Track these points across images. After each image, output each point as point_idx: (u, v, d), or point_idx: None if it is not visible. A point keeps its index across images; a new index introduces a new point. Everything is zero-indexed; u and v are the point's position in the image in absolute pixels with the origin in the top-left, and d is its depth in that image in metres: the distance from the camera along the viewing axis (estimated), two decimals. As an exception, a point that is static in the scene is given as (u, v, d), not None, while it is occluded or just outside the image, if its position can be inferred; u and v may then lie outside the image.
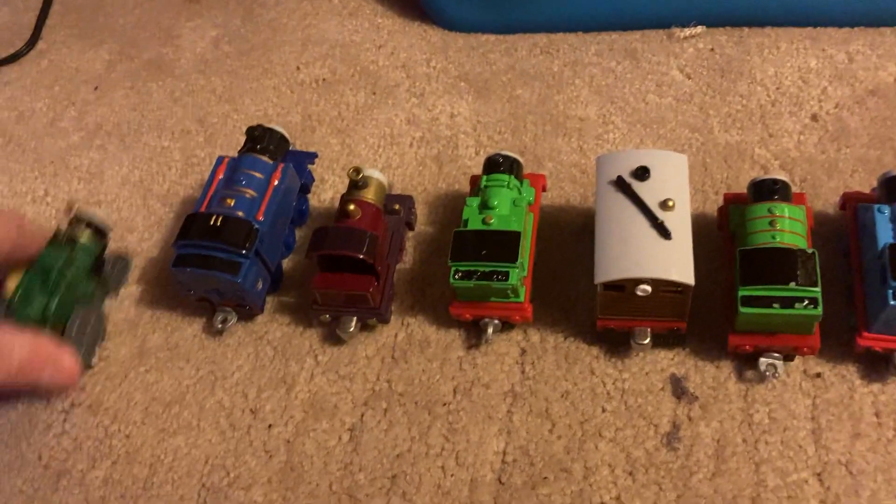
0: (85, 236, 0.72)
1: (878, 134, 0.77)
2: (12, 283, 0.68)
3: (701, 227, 0.71)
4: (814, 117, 0.79)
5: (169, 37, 1.00)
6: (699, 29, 0.88)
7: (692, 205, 0.73)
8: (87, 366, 0.72)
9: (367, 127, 0.86)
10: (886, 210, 0.63)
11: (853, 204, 0.68)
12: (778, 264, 0.60)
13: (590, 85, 0.86)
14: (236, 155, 0.75)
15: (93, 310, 0.72)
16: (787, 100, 0.81)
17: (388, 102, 0.88)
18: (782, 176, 0.67)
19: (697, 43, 0.88)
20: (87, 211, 0.73)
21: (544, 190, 0.74)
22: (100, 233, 0.73)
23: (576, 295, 0.71)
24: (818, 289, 0.59)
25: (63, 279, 0.69)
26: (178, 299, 0.75)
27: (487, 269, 0.65)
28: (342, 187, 0.81)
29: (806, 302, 0.59)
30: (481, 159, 0.80)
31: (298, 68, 0.93)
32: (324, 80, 0.92)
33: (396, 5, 0.98)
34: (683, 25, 0.89)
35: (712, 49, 0.87)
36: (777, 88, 0.82)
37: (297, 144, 0.84)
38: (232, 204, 0.69)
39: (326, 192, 0.82)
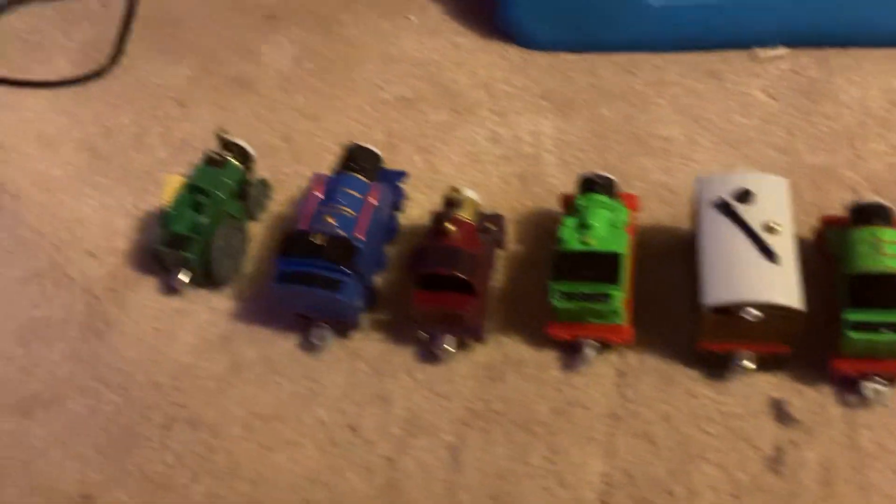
0: (232, 160, 0.78)
1: (970, 157, 0.77)
2: (169, 196, 0.75)
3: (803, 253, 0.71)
4: (903, 139, 0.79)
5: (249, 53, 1.01)
6: (782, 50, 0.88)
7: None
8: (231, 279, 0.78)
9: (450, 145, 0.87)
10: None
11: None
12: (887, 289, 0.60)
13: (673, 105, 0.87)
14: (329, 173, 0.76)
15: (237, 228, 0.77)
16: (874, 121, 0.81)
17: (469, 121, 0.89)
18: (877, 200, 0.67)
19: (780, 64, 0.88)
20: (234, 137, 0.80)
21: (637, 210, 0.75)
22: (245, 157, 0.79)
23: (672, 317, 0.71)
24: (927, 314, 0.59)
25: (212, 197, 0.75)
26: (273, 315, 0.76)
27: (590, 291, 0.65)
28: (428, 205, 0.82)
29: (917, 328, 0.59)
30: (566, 178, 0.81)
31: (380, 87, 0.94)
32: (405, 98, 0.93)
33: (475, 25, 0.99)
34: (765, 46, 0.89)
35: (795, 70, 0.87)
36: (863, 110, 0.83)
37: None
38: (333, 222, 0.70)
39: (413, 209, 0.83)
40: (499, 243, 0.77)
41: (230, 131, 0.80)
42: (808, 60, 0.88)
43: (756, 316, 0.60)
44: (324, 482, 0.66)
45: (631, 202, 0.73)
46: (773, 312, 0.61)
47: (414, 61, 0.96)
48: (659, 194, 0.80)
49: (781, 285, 0.61)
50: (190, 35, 1.05)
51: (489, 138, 0.87)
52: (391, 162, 0.85)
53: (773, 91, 0.86)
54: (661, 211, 0.79)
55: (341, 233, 0.70)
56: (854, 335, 0.60)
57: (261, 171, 0.86)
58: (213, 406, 0.71)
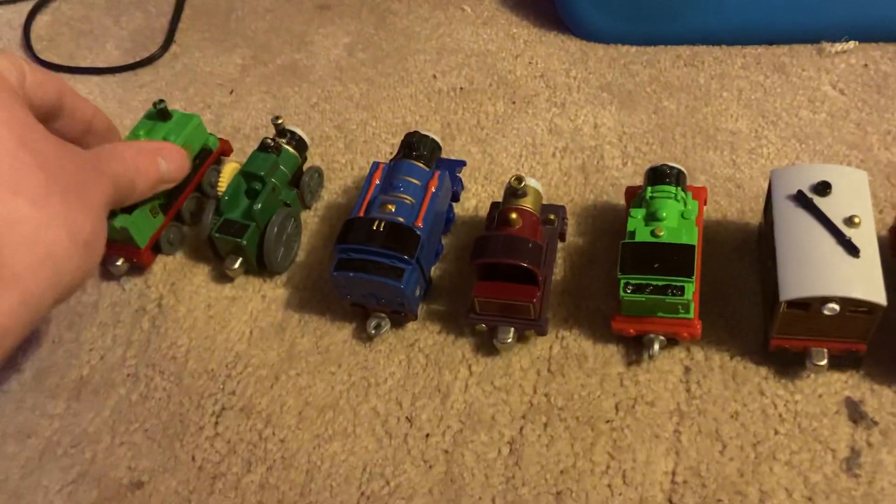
0: (287, 147, 0.77)
1: None
2: (225, 183, 0.74)
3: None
4: (980, 136, 0.77)
5: (302, 43, 1.00)
6: (851, 44, 0.86)
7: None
8: (285, 267, 0.77)
9: (508, 136, 0.85)
10: None
11: None
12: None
13: (738, 98, 0.84)
14: (388, 161, 0.74)
15: (291, 215, 0.76)
16: (949, 117, 0.79)
17: (528, 112, 0.87)
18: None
19: (849, 58, 0.86)
20: (290, 125, 0.80)
21: (705, 203, 0.72)
22: (300, 145, 0.79)
23: (740, 313, 0.69)
24: None
25: (267, 184, 0.74)
26: (327, 303, 0.74)
27: (661, 283, 0.63)
28: (485, 195, 0.80)
29: None
30: (629, 170, 0.79)
31: (435, 76, 0.93)
32: (461, 88, 0.91)
33: (532, 15, 0.97)
34: (834, 40, 0.86)
35: (866, 65, 0.85)
36: (939, 106, 0.80)
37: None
38: (393, 210, 0.69)
39: (469, 200, 0.81)
40: (561, 235, 0.75)
41: (284, 118, 0.79)
42: (878, 54, 0.85)
43: (833, 310, 0.58)
44: (380, 473, 0.64)
45: (699, 195, 0.71)
46: (853, 308, 0.58)
47: (469, 52, 0.95)
48: (725, 188, 0.78)
49: (863, 280, 0.58)
50: (241, 24, 1.04)
51: (549, 130, 0.85)
52: (448, 152, 0.84)
53: (842, 86, 0.84)
54: (727, 205, 0.76)
55: (401, 220, 0.68)
56: (937, 333, 0.57)
57: (315, 159, 0.85)
58: (266, 395, 0.70)
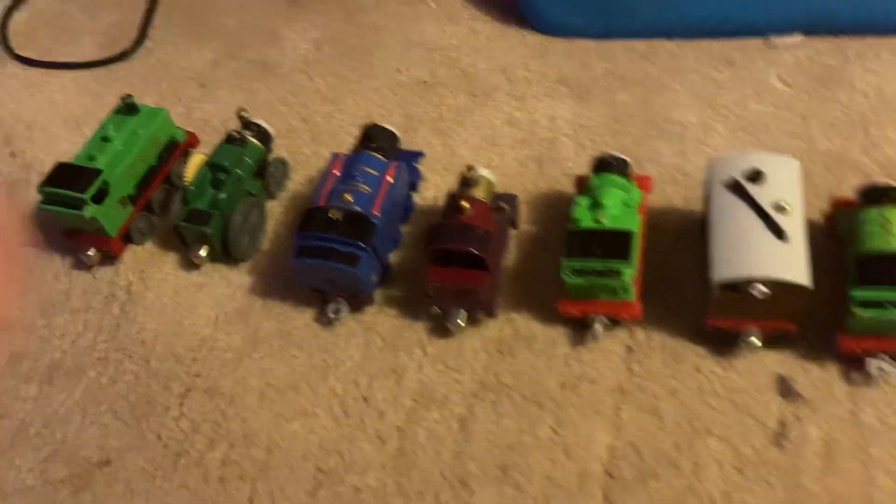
0: (252, 139, 0.80)
1: (984, 144, 0.77)
2: (191, 174, 0.78)
3: (813, 234, 0.72)
4: (917, 126, 0.80)
5: (272, 38, 1.03)
6: (797, 38, 0.89)
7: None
8: (250, 254, 0.80)
9: (468, 128, 0.89)
10: None
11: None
12: (892, 268, 0.61)
13: (690, 91, 0.88)
14: (348, 153, 0.77)
15: (256, 205, 0.80)
16: (890, 108, 0.82)
17: (487, 105, 0.90)
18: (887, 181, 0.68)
19: (796, 51, 0.89)
20: (255, 117, 0.82)
21: (650, 192, 0.76)
22: (265, 137, 0.82)
23: (681, 295, 0.72)
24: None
25: (232, 175, 0.77)
26: (290, 289, 0.77)
27: (601, 267, 0.66)
28: (444, 186, 0.83)
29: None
30: (583, 161, 0.82)
31: (399, 70, 0.96)
32: (424, 82, 0.94)
33: (494, 11, 1.00)
34: (781, 34, 0.89)
35: (811, 58, 0.88)
36: (879, 97, 0.83)
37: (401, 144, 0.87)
38: (350, 199, 0.72)
39: (429, 190, 0.84)
40: (512, 223, 0.78)
41: (250, 111, 0.82)
42: (824, 47, 0.88)
43: (763, 292, 0.61)
44: (336, 450, 0.68)
45: (644, 184, 0.74)
46: (781, 289, 0.61)
47: (433, 46, 0.98)
48: (673, 177, 0.81)
49: (790, 262, 0.62)
50: (213, 20, 1.06)
51: (507, 122, 0.88)
52: (409, 144, 0.86)
53: (788, 78, 0.87)
54: (674, 194, 0.80)
55: (358, 209, 0.71)
56: (861, 312, 0.61)
57: (280, 151, 0.88)
58: (229, 377, 0.73)
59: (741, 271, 0.62)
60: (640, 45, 0.93)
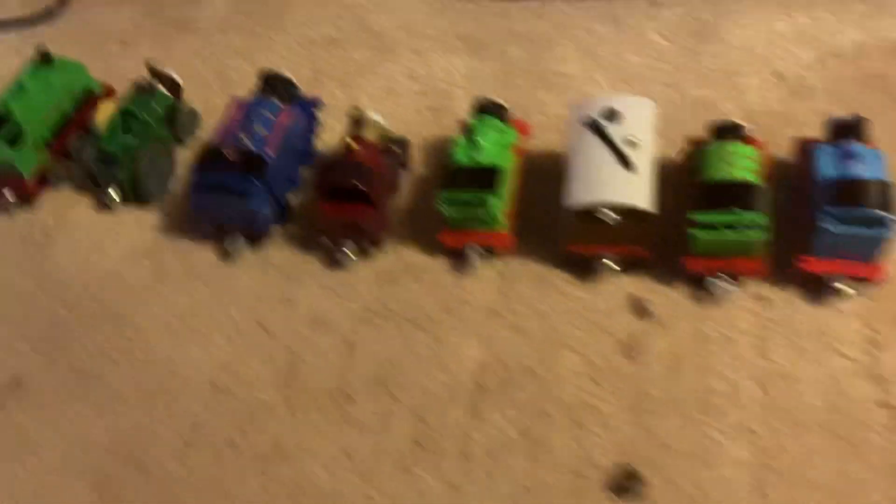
0: (161, 88, 0.86)
1: (835, 90, 0.84)
2: (102, 120, 0.84)
3: (671, 171, 0.79)
4: (778, 76, 0.87)
5: (191, -2, 1.08)
6: (679, -5, 0.95)
7: (664, 152, 0.81)
8: (159, 196, 0.86)
9: (370, 81, 0.94)
10: (828, 149, 0.70)
11: (803, 146, 0.75)
12: (728, 194, 0.68)
13: (576, 46, 0.94)
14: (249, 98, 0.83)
15: (164, 149, 0.86)
16: (754, 59, 0.89)
17: (389, 59, 0.96)
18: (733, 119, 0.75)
19: (676, 9, 0.95)
20: (164, 68, 0.88)
21: (527, 135, 0.82)
22: (174, 87, 0.88)
23: (552, 229, 0.78)
24: (765, 216, 0.66)
25: (141, 121, 0.83)
26: (197, 229, 0.83)
27: (470, 198, 0.72)
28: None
29: (751, 226, 0.66)
30: (473, 110, 0.88)
31: (309, 28, 1.01)
32: (331, 38, 1.00)
33: (402, -29, 1.06)
34: (664, -8, 0.96)
35: (689, 14, 0.95)
36: (745, 49, 0.90)
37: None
38: (245, 139, 0.77)
39: (332, 137, 0.89)
40: (403, 164, 0.84)
41: (160, 63, 0.87)
42: (700, 4, 0.95)
43: (613, 217, 0.68)
44: (230, 368, 0.74)
45: (521, 127, 0.80)
46: (629, 214, 0.68)
47: (342, 5, 1.04)
48: (556, 125, 0.86)
49: (636, 190, 0.68)
50: (136, -19, 1.11)
51: (407, 75, 0.94)
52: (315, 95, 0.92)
53: (667, 33, 0.93)
54: (557, 140, 0.85)
55: (252, 148, 0.77)
56: (700, 234, 0.67)
57: (195, 102, 0.93)
58: (137, 307, 0.79)
59: (591, 197, 0.68)
60: (534, 4, 0.99)
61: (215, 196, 0.76)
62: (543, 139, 0.85)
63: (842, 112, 0.80)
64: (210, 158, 0.77)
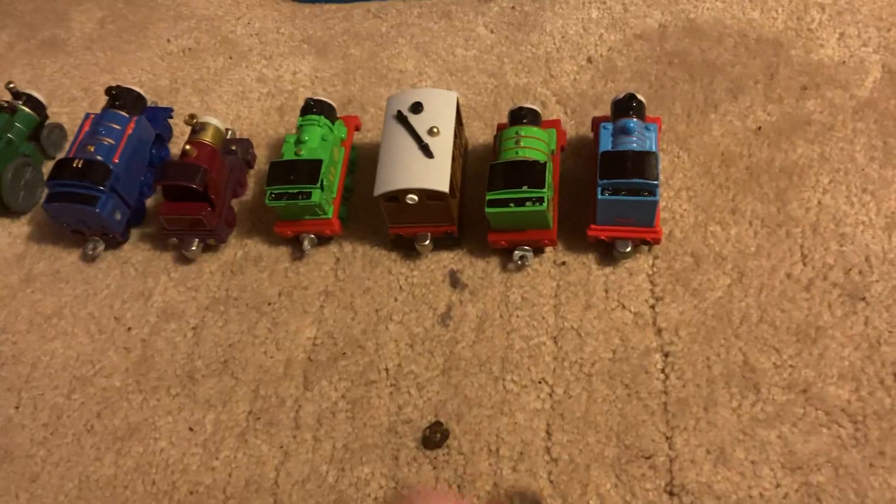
0: (23, 107, 0.93)
1: (640, 70, 0.93)
2: None
3: (486, 154, 0.87)
4: (589, 59, 0.95)
5: (62, 20, 1.14)
6: (507, -11, 1.03)
7: (482, 137, 0.89)
8: (27, 207, 0.93)
9: (224, 86, 1.02)
10: (610, 126, 0.79)
11: (594, 125, 0.83)
12: (515, 173, 0.76)
13: (410, 43, 1.02)
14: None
15: (28, 164, 0.92)
16: (570, 46, 0.97)
17: (242, 65, 1.04)
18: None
19: (502, 2, 1.03)
20: (26, 89, 0.95)
21: (357, 129, 0.90)
22: (37, 105, 0.95)
23: (381, 213, 0.86)
24: (544, 190, 0.74)
25: (3, 138, 0.90)
26: (62, 235, 0.90)
27: (295, 191, 0.80)
28: (202, 138, 0.96)
29: (533, 201, 0.74)
30: (317, 109, 0.95)
31: (169, 41, 1.08)
32: (189, 49, 1.07)
33: (255, -18, 1.13)
34: (494, -12, 1.04)
35: (513, 7, 1.03)
36: (562, 37, 0.98)
37: (164, 103, 0.99)
38: (92, 150, 0.84)
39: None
40: (248, 163, 0.91)
41: (17, 84, 0.94)
42: (526, -2, 1.03)
43: (413, 199, 0.75)
44: (90, 361, 0.81)
45: (350, 122, 0.88)
46: (428, 196, 0.76)
47: (200, 17, 1.10)
48: (390, 117, 0.94)
49: (433, 175, 0.76)
50: (9, 6, 1.18)
51: (257, 79, 1.02)
52: (173, 102, 0.99)
53: (493, 26, 1.01)
54: (389, 130, 0.93)
55: (98, 157, 0.84)
56: (490, 210, 0.75)
57: (62, 118, 1.00)
58: (4, 309, 0.86)
59: (393, 185, 0.76)
60: (374, 5, 1.07)
61: (66, 203, 0.83)
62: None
63: (645, 89, 0.89)
64: (60, 169, 0.84)
